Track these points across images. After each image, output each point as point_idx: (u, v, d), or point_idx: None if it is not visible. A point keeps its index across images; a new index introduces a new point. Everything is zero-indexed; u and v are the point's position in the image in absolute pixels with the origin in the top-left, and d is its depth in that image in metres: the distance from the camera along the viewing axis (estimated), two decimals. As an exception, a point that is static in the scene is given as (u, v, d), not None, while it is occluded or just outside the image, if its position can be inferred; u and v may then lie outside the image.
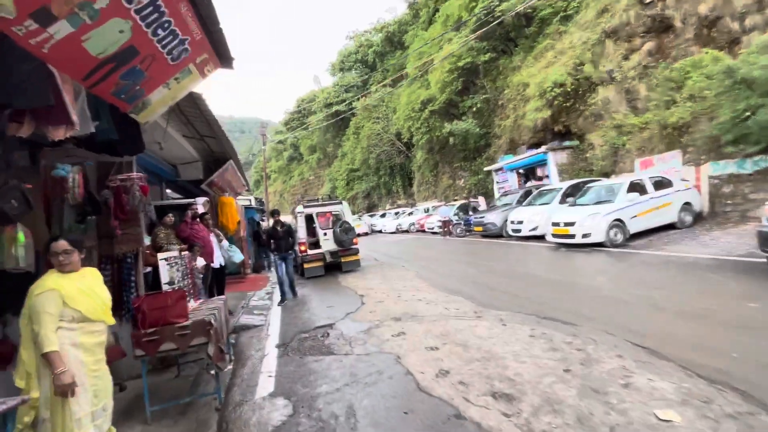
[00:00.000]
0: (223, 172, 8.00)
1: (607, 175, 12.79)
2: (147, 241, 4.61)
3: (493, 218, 12.55)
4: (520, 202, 12.63)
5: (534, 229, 10.61)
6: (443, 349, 3.67)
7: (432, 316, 4.77)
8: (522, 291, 5.53)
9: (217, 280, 5.70)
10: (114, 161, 4.00)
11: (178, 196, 9.37)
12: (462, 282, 6.67)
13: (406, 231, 22.47)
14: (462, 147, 23.38)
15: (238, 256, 6.01)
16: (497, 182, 18.81)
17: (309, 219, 9.36)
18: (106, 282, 4.38)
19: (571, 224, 8.33)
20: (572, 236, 8.30)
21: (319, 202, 9.63)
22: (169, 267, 3.28)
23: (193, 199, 6.44)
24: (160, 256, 3.26)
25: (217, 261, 5.52)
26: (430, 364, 3.33)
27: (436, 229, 17.78)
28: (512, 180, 17.90)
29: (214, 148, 7.68)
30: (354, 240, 9.37)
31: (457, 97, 21.79)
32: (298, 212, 9.31)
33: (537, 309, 4.58)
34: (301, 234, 9.07)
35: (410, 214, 23.75)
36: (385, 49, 41.87)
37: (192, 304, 3.72)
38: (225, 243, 5.89)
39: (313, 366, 3.61)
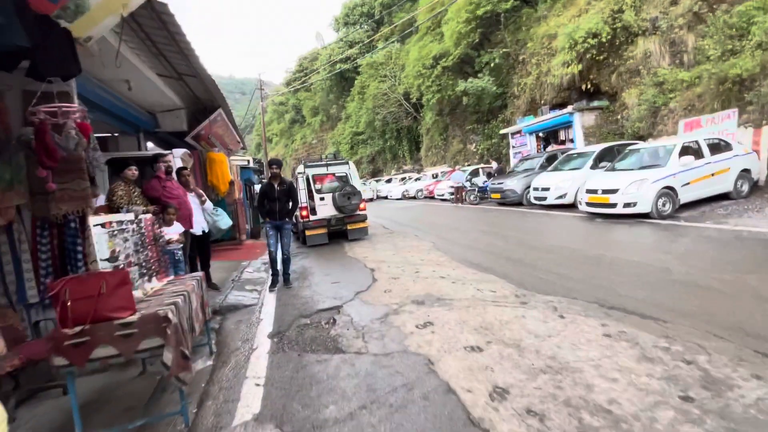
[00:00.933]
0: (211, 124, 6.86)
1: (642, 138, 11.48)
2: (103, 200, 3.61)
3: (513, 185, 11.43)
4: (543, 168, 11.45)
5: (562, 196, 9.53)
6: (489, 350, 2.75)
7: (463, 300, 3.84)
8: (569, 270, 4.56)
9: (200, 250, 4.76)
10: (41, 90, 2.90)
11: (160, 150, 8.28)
12: (490, 257, 5.71)
13: (413, 197, 21.42)
14: (475, 109, 21.77)
15: (224, 221, 5.02)
16: (513, 146, 17.48)
17: (311, 181, 8.31)
18: (44, 252, 3.47)
19: (612, 192, 7.24)
20: (612, 205, 7.24)
21: (323, 162, 8.51)
22: (108, 236, 2.28)
23: (167, 151, 5.34)
24: (93, 220, 2.25)
25: (198, 227, 4.54)
26: (478, 377, 2.41)
27: (447, 196, 16.71)
28: (530, 144, 16.55)
29: (200, 94, 6.48)
30: (360, 206, 8.36)
31: (473, 52, 19.89)
32: (299, 173, 8.23)
33: (597, 295, 3.63)
34: (303, 197, 8.05)
35: (417, 179, 22.58)
36: (393, 0, 38.68)
37: (152, 284, 2.77)
38: (209, 205, 4.88)
39: (315, 370, 2.71)
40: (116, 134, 6.31)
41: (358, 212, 8.42)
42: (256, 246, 9.15)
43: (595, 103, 13.98)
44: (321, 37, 58.39)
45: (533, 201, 10.48)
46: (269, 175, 5.34)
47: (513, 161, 17.85)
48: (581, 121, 13.79)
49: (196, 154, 7.15)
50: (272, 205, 5.12)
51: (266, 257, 7.34)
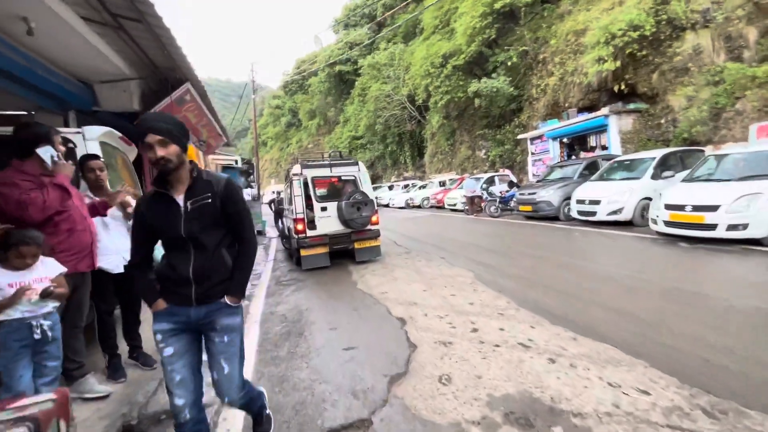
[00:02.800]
0: (176, 105, 4.99)
1: (698, 144, 9.83)
2: None
3: (549, 196, 9.67)
4: (583, 176, 9.72)
5: (616, 212, 7.76)
6: None
7: (606, 420, 1.98)
8: (736, 341, 2.73)
9: (123, 299, 2.82)
10: None
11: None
12: (574, 302, 3.86)
13: (418, 206, 19.63)
14: (485, 112, 20.19)
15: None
16: (532, 153, 15.80)
17: (311, 186, 6.43)
18: None
19: (711, 209, 5.48)
20: (709, 227, 5.47)
21: (326, 162, 6.65)
22: None
23: (70, 130, 3.41)
24: None
25: (112, 262, 2.64)
26: None
27: (460, 206, 14.93)
28: (553, 151, 14.89)
29: (158, 60, 4.61)
30: (372, 218, 6.51)
31: (488, 50, 18.31)
32: (295, 175, 6.35)
33: None
34: (299, 207, 6.18)
35: (423, 187, 20.80)
36: (396, 2, 37.37)
37: None
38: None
39: None
40: (32, 112, 4.40)
41: (370, 227, 6.56)
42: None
43: (633, 106, 12.37)
44: (320, 41, 57.01)
45: (575, 216, 8.71)
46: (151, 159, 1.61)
47: (532, 170, 16.18)
48: (618, 125, 12.15)
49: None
50: (174, 257, 1.63)
51: (250, 283, 5.43)
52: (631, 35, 11.29)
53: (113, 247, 2.70)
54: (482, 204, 12.68)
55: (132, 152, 3.92)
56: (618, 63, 11.85)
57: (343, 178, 6.69)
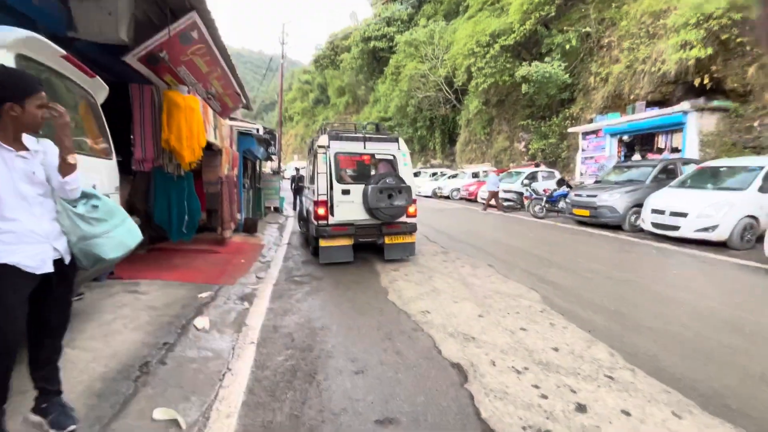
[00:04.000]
0: (176, 40, 3.86)
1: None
2: None
3: (613, 201, 8.17)
4: (658, 181, 8.16)
5: (709, 228, 6.26)
6: None
7: None
8: None
9: (40, 319, 1.72)
10: None
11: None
12: (727, 367, 2.58)
13: (446, 197, 18.27)
14: (529, 101, 18.37)
15: (127, 236, 1.96)
16: (583, 150, 14.09)
17: (335, 164, 5.23)
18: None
19: None
20: None
21: (359, 135, 5.43)
22: None
23: None
24: None
25: (36, 256, 1.54)
26: None
27: (493, 201, 13.51)
28: (610, 149, 13.16)
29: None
30: (409, 209, 5.31)
31: (544, 29, 16.39)
32: (320, 147, 5.17)
33: None
34: (322, 187, 5.02)
35: (453, 176, 19.35)
36: (441, -24, 34.98)
37: None
38: (74, 185, 1.79)
39: None
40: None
41: (405, 219, 5.35)
42: (244, 248, 6.18)
43: (718, 103, 10.51)
44: (355, 16, 55.08)
45: (647, 227, 7.24)
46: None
47: (580, 168, 14.50)
48: (698, 124, 10.36)
49: (147, 90, 4.15)
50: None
51: (256, 276, 4.36)
52: (732, 17, 9.39)
53: (40, 231, 1.60)
54: (530, 201, 11.22)
55: (100, 91, 2.82)
56: (709, 50, 9.98)
57: (377, 156, 5.47)
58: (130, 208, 4.26)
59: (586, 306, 3.73)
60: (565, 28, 15.53)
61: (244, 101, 7.48)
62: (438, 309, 3.62)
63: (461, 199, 17.19)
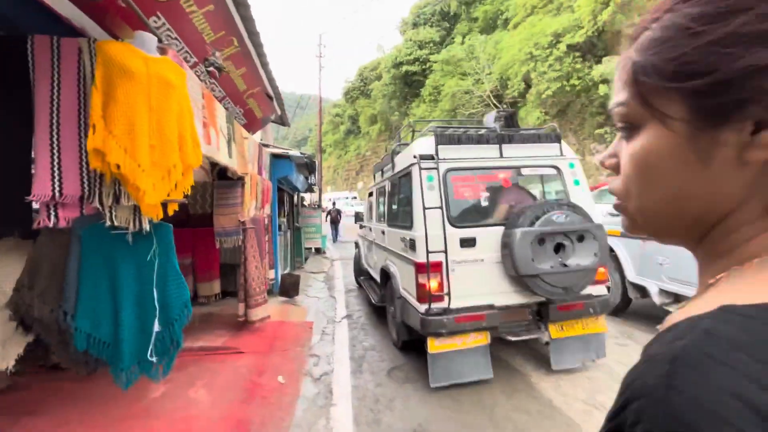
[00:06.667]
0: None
1: None
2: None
3: None
4: None
5: None
6: None
7: None
8: None
9: None
10: None
11: None
12: None
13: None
14: (599, 108, 15.51)
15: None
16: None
17: (448, 194, 2.71)
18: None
19: None
20: None
21: (489, 134, 2.91)
22: None
23: None
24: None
25: None
26: None
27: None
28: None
29: None
30: (600, 270, 2.65)
31: (623, 17, 13.72)
32: (422, 161, 2.69)
33: None
34: (433, 237, 2.51)
35: (517, 200, 16.44)
36: (471, -5, 33.83)
37: None
38: None
39: None
40: None
41: (590, 289, 2.71)
42: (281, 336, 3.70)
43: None
44: (382, 49, 54.96)
45: None
46: None
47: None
48: None
49: (68, 47, 1.87)
50: None
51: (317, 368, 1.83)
52: None
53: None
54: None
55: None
56: None
57: (524, 171, 2.91)
58: (20, 308, 1.91)
59: None
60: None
61: (278, 110, 5.27)
62: None
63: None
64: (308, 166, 6.89)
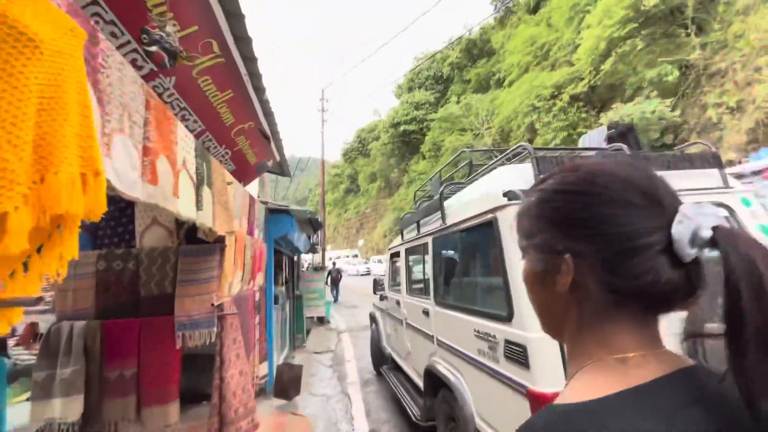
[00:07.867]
0: None
1: None
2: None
3: None
4: None
5: None
6: None
7: None
8: None
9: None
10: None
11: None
12: None
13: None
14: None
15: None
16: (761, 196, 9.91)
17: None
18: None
19: None
20: None
21: (614, 152, 1.87)
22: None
23: None
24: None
25: None
26: None
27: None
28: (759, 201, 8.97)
29: None
30: None
31: (626, 68, 13.72)
32: (509, 201, 1.60)
33: None
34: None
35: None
36: (464, 62, 35.91)
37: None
38: None
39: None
40: None
41: None
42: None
43: None
44: (378, 113, 57.49)
45: None
46: None
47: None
48: None
49: None
50: None
51: None
52: None
53: None
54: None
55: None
56: None
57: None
58: None
59: None
60: (659, 60, 12.76)
61: (276, 156, 4.32)
62: None
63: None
64: (312, 223, 5.82)
